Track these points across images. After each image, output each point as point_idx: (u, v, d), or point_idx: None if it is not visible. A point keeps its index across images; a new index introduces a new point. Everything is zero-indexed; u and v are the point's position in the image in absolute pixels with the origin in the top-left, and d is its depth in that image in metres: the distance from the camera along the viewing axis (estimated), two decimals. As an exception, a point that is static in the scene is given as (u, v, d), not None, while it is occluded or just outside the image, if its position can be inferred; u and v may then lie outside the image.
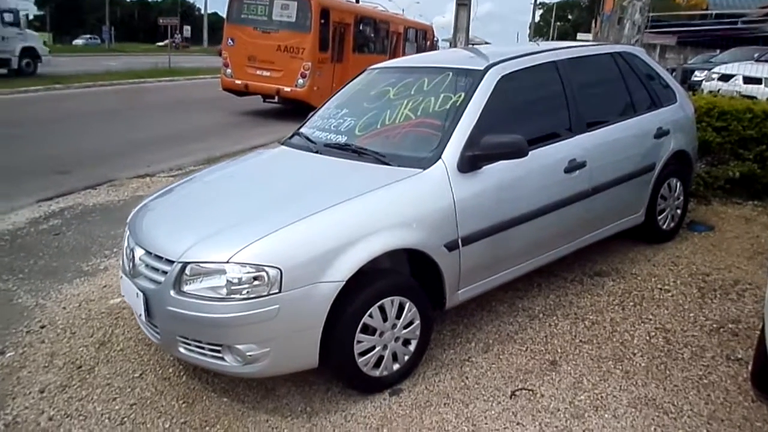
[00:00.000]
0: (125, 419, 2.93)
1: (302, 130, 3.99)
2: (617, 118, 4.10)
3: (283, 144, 3.90)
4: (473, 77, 3.44)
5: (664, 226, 4.69)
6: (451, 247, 3.09)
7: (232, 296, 2.62)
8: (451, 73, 3.60)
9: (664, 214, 4.66)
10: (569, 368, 3.19)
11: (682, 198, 4.80)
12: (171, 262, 2.77)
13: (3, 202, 6.31)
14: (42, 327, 3.83)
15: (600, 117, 4.00)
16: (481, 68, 3.48)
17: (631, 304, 3.85)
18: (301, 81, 13.12)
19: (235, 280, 2.61)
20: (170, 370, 3.31)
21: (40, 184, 7.08)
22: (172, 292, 2.72)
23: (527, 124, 3.58)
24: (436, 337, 3.53)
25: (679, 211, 4.82)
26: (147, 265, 2.94)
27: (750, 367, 3.04)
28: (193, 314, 2.67)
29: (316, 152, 3.56)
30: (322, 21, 13.37)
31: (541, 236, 3.59)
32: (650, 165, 4.32)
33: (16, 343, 3.64)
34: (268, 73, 13.37)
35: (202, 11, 62.27)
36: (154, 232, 3.06)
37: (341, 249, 2.72)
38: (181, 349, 2.84)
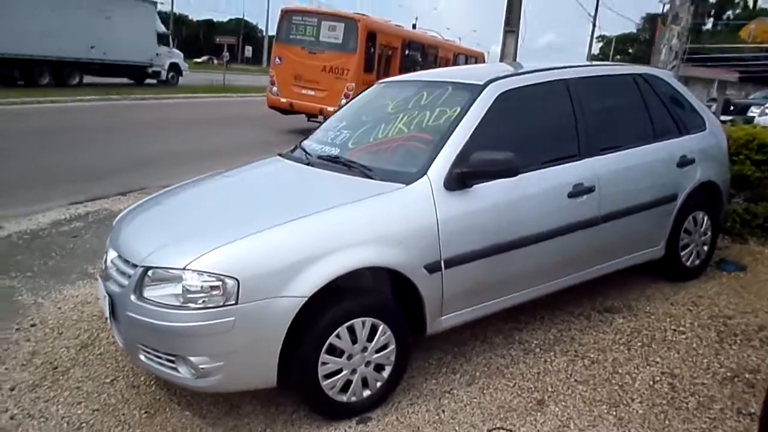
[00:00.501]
0: (83, 425, 2.84)
1: (304, 142, 3.89)
2: (635, 143, 3.81)
3: (281, 155, 3.80)
4: (471, 92, 3.26)
5: (688, 263, 4.33)
6: (433, 269, 2.89)
7: (188, 305, 2.50)
8: (450, 87, 3.44)
9: (688, 249, 4.31)
10: (557, 409, 2.92)
11: (710, 233, 4.43)
12: (135, 266, 2.69)
13: (44, 203, 6.48)
14: (32, 325, 3.83)
15: (615, 141, 3.73)
16: (481, 83, 3.30)
17: (639, 344, 3.53)
18: (344, 101, 13.11)
19: (191, 289, 2.50)
20: (142, 378, 3.23)
21: (78, 187, 7.24)
22: (132, 297, 2.63)
23: (527, 144, 3.36)
24: (420, 365, 3.32)
25: (706, 248, 4.45)
26: (117, 269, 2.87)
27: (758, 424, 2.70)
28: (149, 321, 2.56)
29: (308, 164, 3.45)
30: (368, 43, 13.43)
31: (538, 264, 3.34)
32: (671, 195, 4.00)
33: (3, 339, 3.64)
34: (312, 93, 13.48)
35: (264, 32, 64.23)
36: (127, 236, 3.00)
37: (305, 263, 2.57)
38: (141, 357, 2.74)
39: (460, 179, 2.98)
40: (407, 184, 2.92)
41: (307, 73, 13.55)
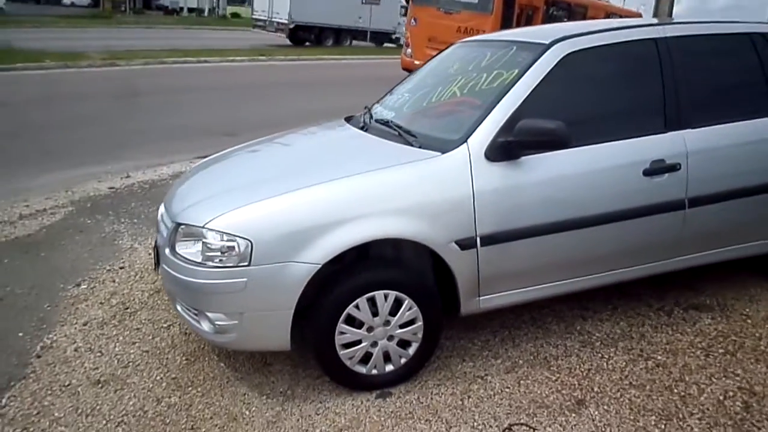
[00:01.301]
0: (130, 363, 3.06)
1: (374, 105, 3.77)
2: (743, 116, 3.19)
3: (346, 119, 3.71)
4: (533, 52, 2.91)
5: (817, 262, 3.62)
6: (465, 245, 2.68)
7: (206, 263, 2.55)
8: (515, 47, 3.10)
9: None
10: (596, 413, 2.61)
11: None
12: (172, 222, 2.79)
13: (168, 156, 7.03)
14: (121, 268, 4.18)
15: (715, 113, 3.15)
16: (546, 42, 2.93)
17: (721, 351, 3.03)
18: (478, 64, 12.71)
19: (211, 247, 2.54)
20: (193, 326, 3.39)
21: (208, 142, 7.74)
22: (167, 251, 2.74)
23: (596, 113, 2.96)
24: (463, 345, 3.15)
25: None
26: (163, 223, 3.00)
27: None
28: (175, 275, 2.66)
29: (363, 128, 3.32)
30: (506, 3, 12.76)
31: (598, 249, 2.96)
32: (797, 178, 3.32)
33: (94, 278, 4.02)
34: (445, 55, 13.18)
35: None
36: (174, 193, 3.12)
37: (321, 230, 2.49)
38: (178, 307, 2.86)
39: (504, 149, 2.70)
40: (443, 152, 2.71)
41: (441, 34, 13.20)
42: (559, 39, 2.94)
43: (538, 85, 2.81)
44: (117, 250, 4.49)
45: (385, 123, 3.23)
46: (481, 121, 2.74)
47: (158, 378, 2.94)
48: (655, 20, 3.36)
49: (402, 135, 2.98)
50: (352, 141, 3.21)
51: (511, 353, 3.07)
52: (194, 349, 3.18)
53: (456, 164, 2.67)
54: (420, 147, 2.81)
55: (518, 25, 13.12)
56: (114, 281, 3.98)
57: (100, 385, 2.88)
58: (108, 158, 7.07)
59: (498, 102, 2.77)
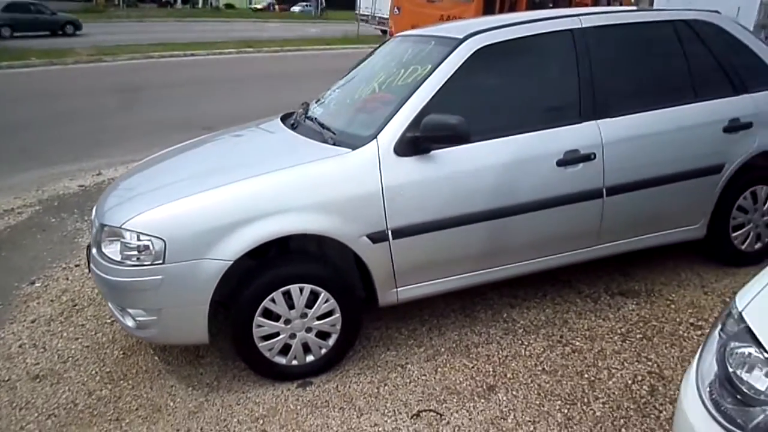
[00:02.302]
0: (69, 358, 3.18)
1: (311, 103, 3.83)
2: (663, 104, 3.23)
3: (281, 117, 3.76)
4: (448, 47, 2.97)
5: (743, 246, 3.65)
6: (377, 238, 2.76)
7: (125, 261, 2.65)
8: (433, 42, 3.16)
9: (744, 230, 3.63)
10: (504, 398, 2.70)
11: (778, 212, 3.70)
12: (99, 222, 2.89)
13: (143, 152, 7.08)
14: (77, 265, 4.29)
15: (634, 102, 3.19)
16: (460, 36, 2.99)
17: (639, 336, 3.11)
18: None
19: (127, 246, 2.64)
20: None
21: (185, 137, 7.81)
22: (94, 251, 2.83)
23: (510, 105, 3.02)
24: (390, 335, 3.24)
25: (772, 230, 3.73)
26: (93, 223, 3.10)
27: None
28: (100, 274, 2.76)
29: (293, 126, 3.39)
30: None
31: (517, 240, 3.04)
32: (715, 166, 3.37)
33: (49, 276, 4.14)
34: (428, 44, 13.16)
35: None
36: (106, 194, 3.21)
37: (232, 227, 2.59)
38: (109, 304, 2.97)
39: (413, 144, 2.77)
40: (354, 148, 2.78)
41: (423, 23, 13.03)
42: (473, 33, 3.00)
43: (449, 79, 2.87)
44: (75, 248, 4.60)
45: (313, 120, 3.30)
46: (392, 117, 2.81)
47: (93, 372, 3.05)
48: (574, 11, 3.38)
49: (322, 132, 3.05)
50: (277, 140, 3.29)
51: (435, 342, 3.16)
52: (132, 343, 3.29)
53: (365, 160, 2.75)
54: (334, 144, 2.88)
55: (501, 13, 13.09)
56: (68, 279, 4.09)
57: (38, 380, 3.00)
58: (84, 156, 7.18)
59: (409, 98, 2.84)
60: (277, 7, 49.51)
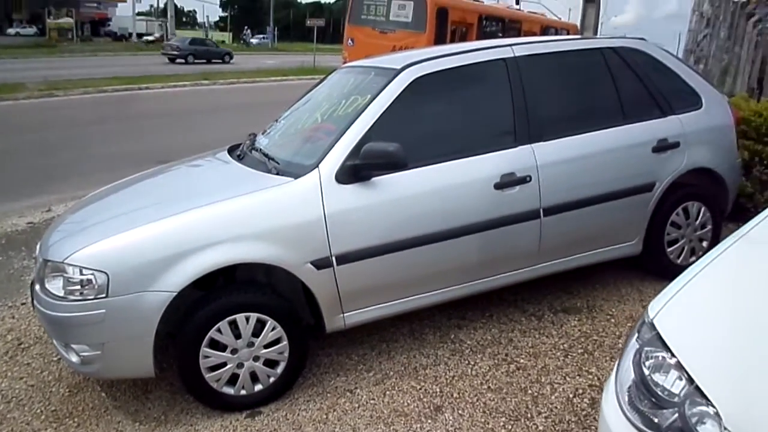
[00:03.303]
0: (13, 398, 3.10)
1: (258, 134, 3.88)
2: (593, 127, 3.41)
3: (228, 149, 3.80)
4: (386, 77, 3.09)
5: (679, 260, 3.83)
6: (321, 265, 2.82)
7: (68, 296, 2.63)
8: (373, 73, 3.28)
9: (678, 245, 3.82)
10: (450, 417, 2.75)
11: (710, 227, 3.89)
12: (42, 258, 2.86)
13: (94, 187, 7.01)
14: (23, 303, 4.19)
15: (566, 126, 3.36)
16: (398, 67, 3.11)
17: (581, 351, 3.22)
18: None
19: (70, 281, 2.62)
20: (82, 358, 3.44)
21: (138, 171, 7.76)
22: (38, 287, 2.80)
23: (447, 132, 3.14)
24: (340, 361, 3.27)
25: (704, 243, 3.91)
26: (37, 259, 3.06)
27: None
28: (43, 310, 2.73)
29: (239, 157, 3.44)
30: (439, 21, 13.12)
31: (459, 262, 3.13)
32: (646, 184, 3.55)
33: (-7, 315, 4.03)
34: (383, 74, 13.42)
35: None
36: (51, 228, 3.18)
37: (174, 259, 2.61)
38: (54, 340, 2.93)
39: (354, 172, 2.86)
40: (296, 177, 2.85)
41: (377, 53, 13.38)
42: (410, 64, 3.13)
43: (387, 108, 2.98)
44: (22, 285, 4.49)
45: (259, 151, 3.36)
46: (333, 147, 2.90)
47: (38, 411, 2.99)
48: (507, 41, 3.54)
49: (267, 163, 3.11)
50: (223, 171, 3.33)
51: (384, 365, 3.20)
52: (79, 381, 3.23)
53: (307, 188, 2.82)
54: (278, 173, 2.95)
55: (452, 42, 13.48)
56: (13, 317, 4.00)
57: (-21, 423, 2.92)
58: (34, 192, 7.04)
59: (349, 127, 2.93)
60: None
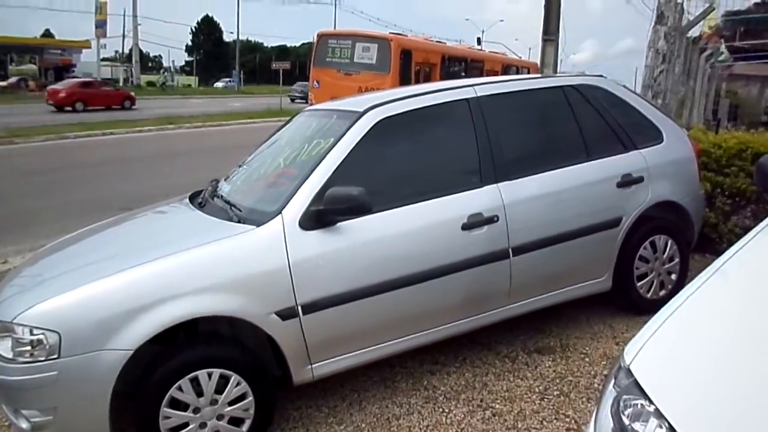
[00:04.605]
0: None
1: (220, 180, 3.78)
2: (558, 165, 3.42)
3: (190, 196, 3.69)
4: (349, 120, 3.06)
5: (649, 294, 3.83)
6: (286, 315, 2.71)
7: (17, 359, 2.46)
8: (335, 116, 3.25)
9: (647, 279, 3.81)
10: (426, 471, 2.63)
11: (677, 259, 3.90)
12: None
13: (54, 237, 6.77)
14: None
15: (530, 164, 3.37)
16: (361, 110, 3.09)
17: (556, 393, 3.14)
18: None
19: (20, 342, 2.46)
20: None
21: (102, 219, 7.54)
22: (-17, 349, 2.62)
23: (412, 174, 3.11)
24: (310, 414, 3.13)
25: (673, 276, 3.91)
26: None
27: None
28: (-12, 375, 2.54)
29: (201, 204, 3.34)
30: (403, 62, 13.35)
31: (429, 305, 3.06)
32: (613, 220, 3.56)
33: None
34: (348, 115, 13.53)
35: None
36: (4, 283, 3.02)
37: (131, 314, 2.47)
38: (2, 405, 2.73)
39: (318, 217, 2.78)
40: (259, 225, 2.76)
41: (343, 94, 13.47)
42: (373, 106, 3.10)
43: (351, 152, 2.93)
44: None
45: (220, 198, 3.27)
46: (296, 192, 2.83)
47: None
48: (469, 81, 3.56)
49: (228, 210, 3.02)
50: (183, 220, 3.24)
51: (355, 417, 3.07)
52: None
53: (270, 236, 2.73)
54: (239, 221, 2.85)
55: (417, 83, 13.70)
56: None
57: None
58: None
59: (312, 171, 2.87)
60: (31, 83, 37.75)
